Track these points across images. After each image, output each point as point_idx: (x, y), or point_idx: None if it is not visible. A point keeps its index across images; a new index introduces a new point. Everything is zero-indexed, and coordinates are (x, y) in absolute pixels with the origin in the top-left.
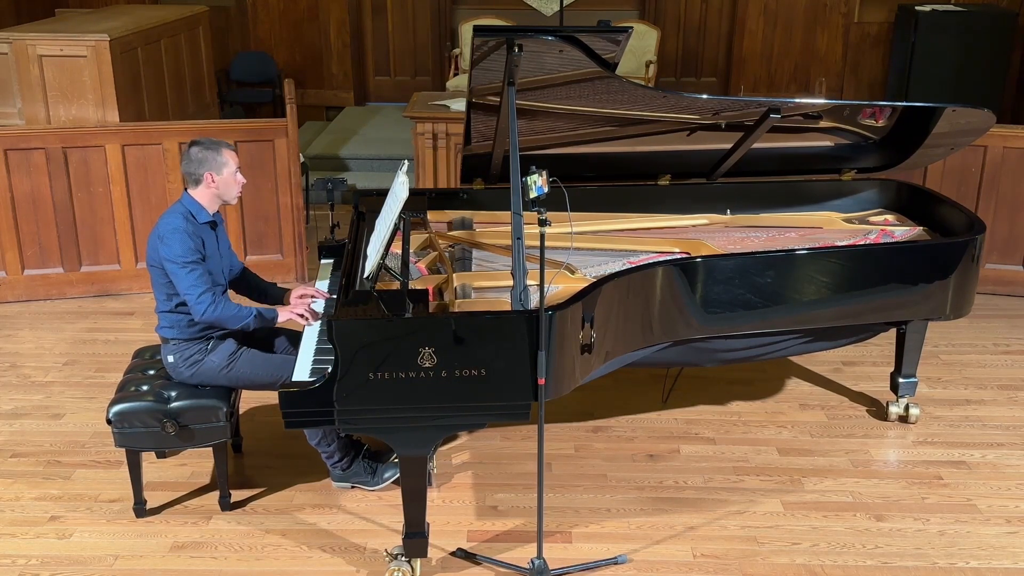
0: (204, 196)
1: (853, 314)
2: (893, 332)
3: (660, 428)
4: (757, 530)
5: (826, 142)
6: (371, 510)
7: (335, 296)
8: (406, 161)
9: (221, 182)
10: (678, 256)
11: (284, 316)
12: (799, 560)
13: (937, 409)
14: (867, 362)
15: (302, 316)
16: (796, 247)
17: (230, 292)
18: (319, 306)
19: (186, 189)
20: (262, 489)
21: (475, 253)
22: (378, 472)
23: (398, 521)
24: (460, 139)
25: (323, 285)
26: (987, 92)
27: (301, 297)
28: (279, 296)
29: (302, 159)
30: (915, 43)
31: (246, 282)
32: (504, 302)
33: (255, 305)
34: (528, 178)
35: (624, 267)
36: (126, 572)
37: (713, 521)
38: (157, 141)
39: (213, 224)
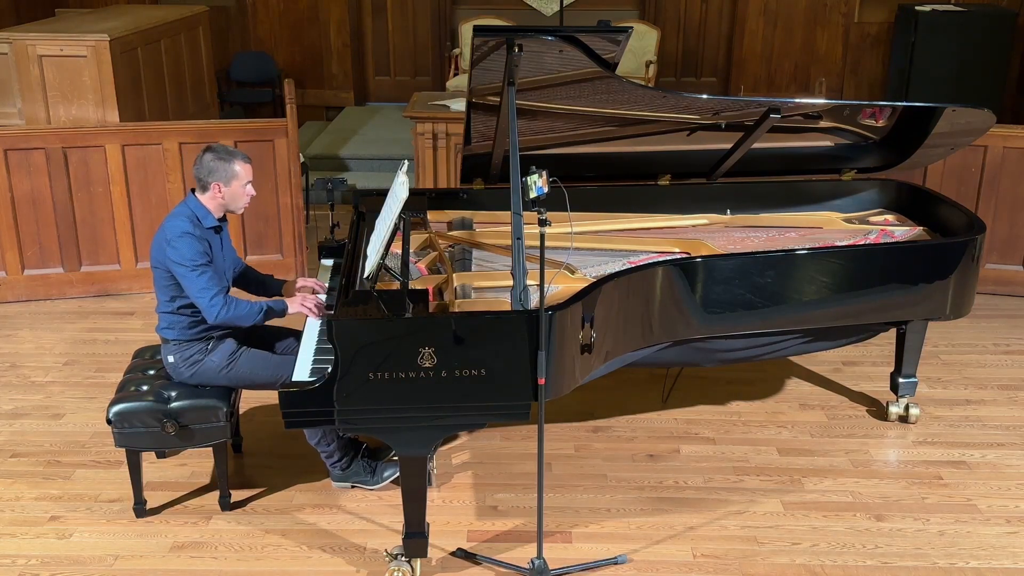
0: (210, 203)
1: (853, 314)
2: (893, 332)
3: (660, 428)
4: (757, 530)
5: (826, 142)
6: (371, 510)
7: (334, 289)
8: (406, 161)
9: (228, 193)
10: (678, 256)
11: (294, 308)
12: (799, 560)
13: (937, 409)
14: (867, 362)
15: (309, 308)
16: (796, 247)
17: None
18: (323, 298)
19: (194, 190)
20: (262, 489)
21: (475, 253)
22: (377, 471)
23: (398, 521)
24: (460, 139)
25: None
26: (987, 92)
27: (302, 288)
28: (278, 288)
29: (302, 159)
30: (915, 43)
31: (246, 278)
32: (504, 302)
33: (262, 299)
34: (528, 178)
35: (624, 267)
36: (126, 572)
37: (713, 521)
38: (157, 141)
39: (217, 228)
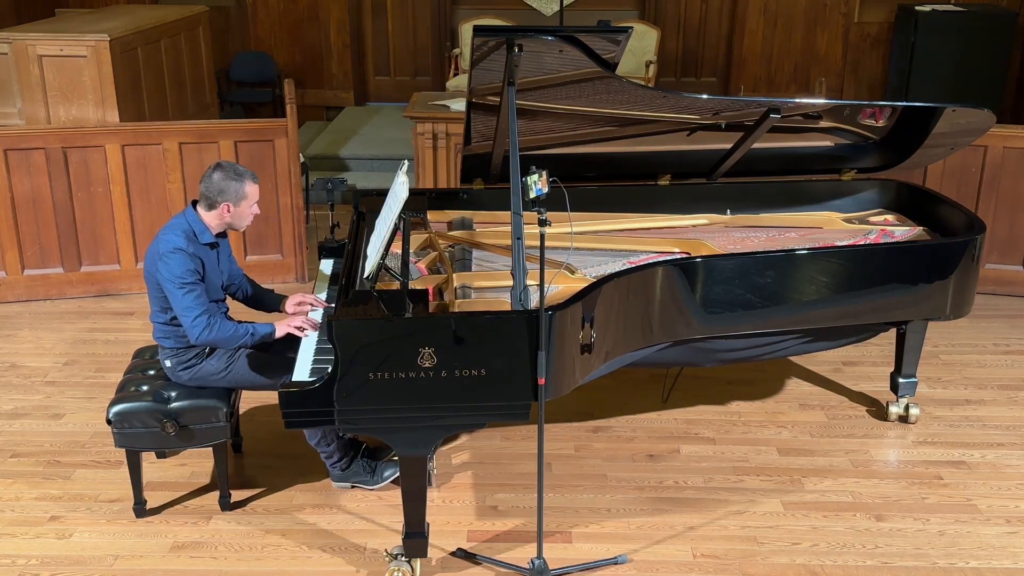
0: (213, 220)
1: (853, 314)
2: (893, 332)
3: (660, 428)
4: (757, 530)
5: (826, 142)
6: (371, 510)
7: (332, 305)
8: (406, 161)
9: (236, 213)
10: (678, 256)
11: (281, 331)
12: (799, 560)
13: (937, 409)
14: (867, 362)
15: (300, 328)
16: (796, 247)
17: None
18: (317, 315)
19: (195, 203)
20: (262, 489)
21: (475, 253)
22: (377, 471)
23: (398, 521)
24: (460, 139)
25: (322, 296)
26: (987, 92)
27: (299, 304)
28: (276, 303)
29: (302, 159)
30: (915, 43)
31: (243, 289)
32: (504, 302)
33: (251, 320)
34: (528, 178)
35: (624, 267)
36: (126, 572)
37: (713, 521)
38: (157, 141)
39: (214, 244)
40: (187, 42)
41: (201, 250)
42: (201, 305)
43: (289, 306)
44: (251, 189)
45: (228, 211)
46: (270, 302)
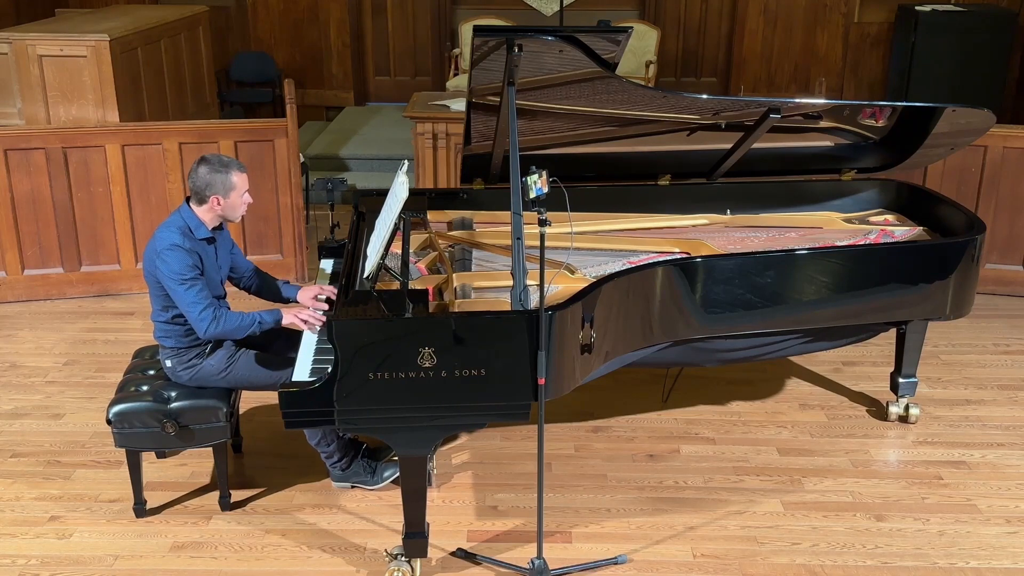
0: (206, 214)
1: (853, 314)
2: (893, 332)
3: (660, 428)
4: (757, 530)
5: (826, 142)
6: (371, 510)
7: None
8: (406, 161)
9: (227, 205)
10: (678, 256)
11: (288, 319)
12: (799, 560)
13: (937, 409)
14: (867, 362)
15: (305, 321)
16: (796, 247)
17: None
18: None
19: (188, 200)
20: (262, 489)
21: (475, 253)
22: (378, 471)
23: (398, 521)
24: (460, 139)
25: None
26: (987, 92)
27: (315, 298)
28: (291, 293)
29: (302, 159)
30: (915, 43)
31: (259, 282)
32: (504, 302)
33: (258, 309)
34: (528, 178)
35: (624, 267)
36: (126, 572)
37: (713, 521)
38: (157, 141)
39: (211, 239)
40: (187, 42)
41: (198, 245)
42: (205, 299)
43: (304, 298)
44: (238, 179)
45: (218, 203)
46: (285, 293)
